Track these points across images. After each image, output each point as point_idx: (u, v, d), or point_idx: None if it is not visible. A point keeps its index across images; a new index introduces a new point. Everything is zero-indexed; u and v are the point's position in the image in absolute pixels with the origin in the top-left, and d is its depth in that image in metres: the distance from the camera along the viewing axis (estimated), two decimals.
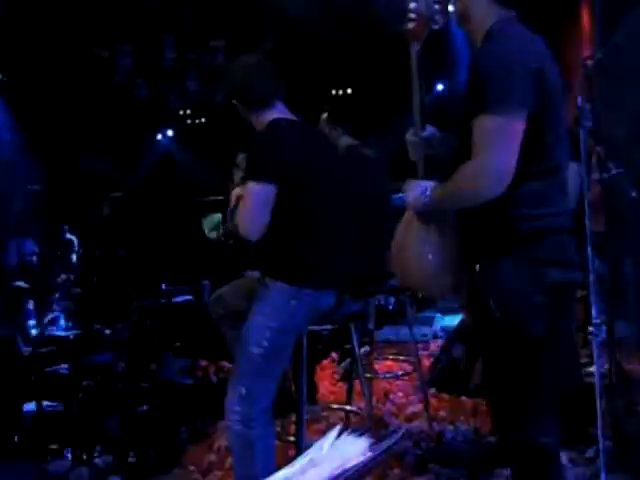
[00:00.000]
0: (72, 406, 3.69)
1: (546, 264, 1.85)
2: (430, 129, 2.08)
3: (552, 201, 1.90)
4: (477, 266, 1.92)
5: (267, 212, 2.39)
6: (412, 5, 2.02)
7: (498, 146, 1.77)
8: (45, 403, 3.73)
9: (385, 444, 1.34)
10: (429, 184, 1.97)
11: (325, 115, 3.45)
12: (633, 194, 3.43)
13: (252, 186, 2.40)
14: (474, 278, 1.94)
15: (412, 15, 2.03)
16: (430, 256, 1.96)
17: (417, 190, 1.97)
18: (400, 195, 2.18)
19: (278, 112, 2.54)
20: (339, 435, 1.35)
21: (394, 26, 2.21)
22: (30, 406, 3.71)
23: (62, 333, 5.16)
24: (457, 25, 2.06)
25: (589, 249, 2.55)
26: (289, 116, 2.58)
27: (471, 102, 1.87)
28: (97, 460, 3.18)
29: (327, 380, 4.66)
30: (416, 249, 1.99)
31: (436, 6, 2.03)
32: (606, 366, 3.04)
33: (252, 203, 2.41)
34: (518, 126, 1.77)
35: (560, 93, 1.92)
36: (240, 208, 2.44)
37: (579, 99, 2.58)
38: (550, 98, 1.85)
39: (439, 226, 1.96)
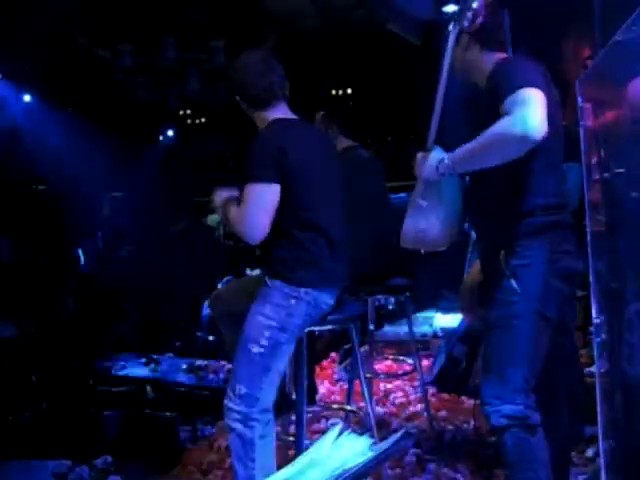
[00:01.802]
0: (72, 406, 3.69)
1: (561, 252, 2.09)
2: (439, 152, 2.16)
3: (563, 195, 2.17)
4: (502, 252, 2.07)
5: (271, 213, 2.31)
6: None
7: (538, 103, 1.92)
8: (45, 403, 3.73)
9: (385, 444, 1.34)
10: (443, 154, 2.11)
11: (320, 115, 3.44)
12: (633, 194, 3.42)
13: (254, 187, 2.31)
14: (499, 263, 2.09)
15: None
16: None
17: (432, 160, 2.11)
18: (398, 195, 2.22)
19: (280, 112, 2.53)
20: (339, 435, 1.35)
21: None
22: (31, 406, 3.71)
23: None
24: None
25: (589, 249, 2.55)
26: (291, 116, 2.57)
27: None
28: (97, 460, 3.18)
29: (327, 380, 4.66)
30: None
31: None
32: (607, 366, 3.04)
33: (255, 205, 2.31)
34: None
35: (557, 109, 2.13)
36: (241, 210, 2.35)
37: (579, 99, 2.58)
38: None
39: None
